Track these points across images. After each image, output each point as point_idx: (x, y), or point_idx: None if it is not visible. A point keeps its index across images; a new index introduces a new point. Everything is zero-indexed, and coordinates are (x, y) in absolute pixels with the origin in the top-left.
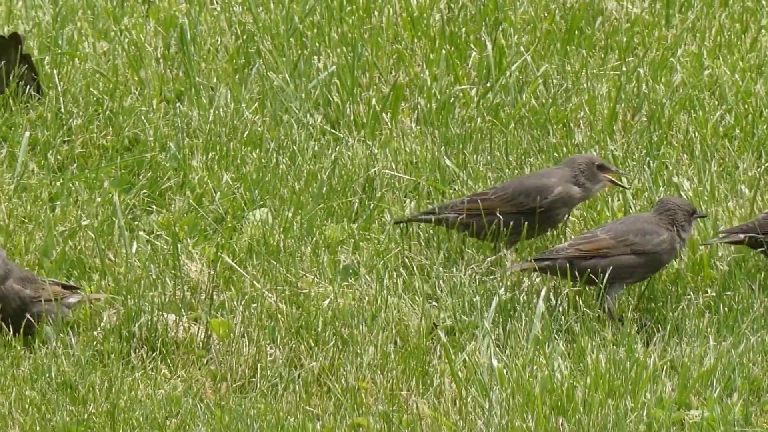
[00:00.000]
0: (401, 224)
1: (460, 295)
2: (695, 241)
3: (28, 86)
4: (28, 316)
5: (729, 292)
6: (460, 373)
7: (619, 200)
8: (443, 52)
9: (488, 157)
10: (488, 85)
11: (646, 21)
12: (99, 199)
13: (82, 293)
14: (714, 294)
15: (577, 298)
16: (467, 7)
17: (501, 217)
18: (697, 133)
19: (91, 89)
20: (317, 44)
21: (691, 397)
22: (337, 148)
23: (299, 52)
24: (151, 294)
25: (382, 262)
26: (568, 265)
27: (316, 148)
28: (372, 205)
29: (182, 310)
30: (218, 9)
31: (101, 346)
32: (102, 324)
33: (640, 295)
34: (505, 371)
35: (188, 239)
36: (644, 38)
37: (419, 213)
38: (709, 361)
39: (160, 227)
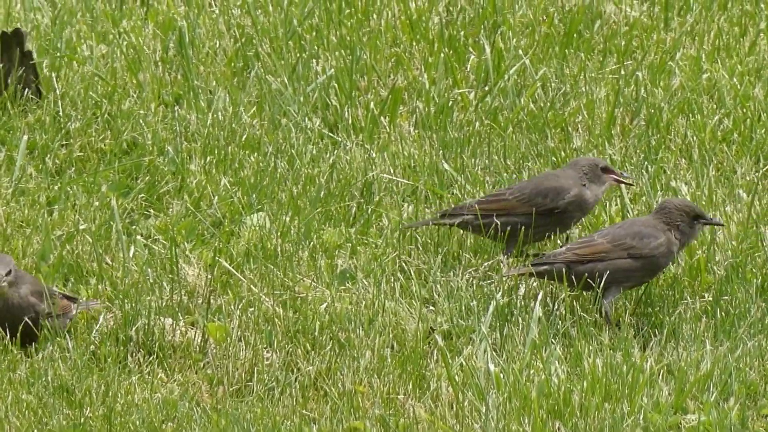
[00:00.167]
0: (413, 229)
1: (458, 299)
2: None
3: (27, 89)
4: (32, 326)
5: (726, 297)
6: (457, 377)
7: (616, 204)
8: (442, 55)
9: (486, 161)
10: (487, 88)
11: (645, 24)
12: (97, 203)
13: (81, 301)
14: (711, 298)
15: (574, 303)
16: (466, 11)
17: (518, 219)
18: (695, 138)
19: (90, 92)
20: (316, 47)
21: (687, 401)
22: (335, 152)
23: (298, 55)
24: (149, 298)
25: (379, 267)
26: (565, 268)
27: (314, 151)
28: (370, 210)
29: (179, 314)
30: (217, 12)
31: (98, 349)
32: (99, 328)
33: (637, 299)
34: (502, 375)
35: (186, 243)
36: (643, 42)
37: (432, 218)
38: (705, 366)
39: (158, 231)
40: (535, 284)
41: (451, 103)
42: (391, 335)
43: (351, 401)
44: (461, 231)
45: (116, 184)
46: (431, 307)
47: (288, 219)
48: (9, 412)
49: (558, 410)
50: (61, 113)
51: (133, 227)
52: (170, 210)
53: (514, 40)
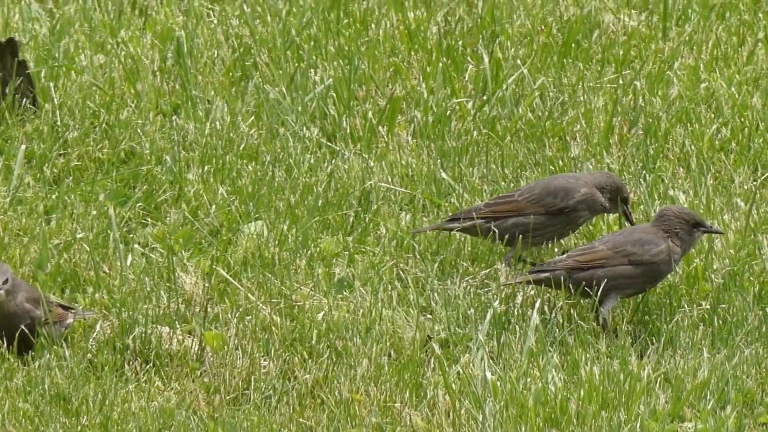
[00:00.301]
0: (418, 234)
1: (455, 307)
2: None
3: (25, 99)
4: (28, 334)
5: (723, 305)
6: (453, 386)
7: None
8: (440, 65)
9: (484, 170)
10: (485, 98)
11: (643, 34)
12: (94, 212)
13: (77, 310)
14: (708, 306)
15: (572, 311)
16: (464, 20)
17: (528, 220)
18: (693, 147)
19: (88, 102)
20: (314, 57)
21: (684, 409)
22: (333, 161)
23: (296, 65)
24: (146, 306)
25: (376, 275)
26: (565, 276)
27: (312, 161)
28: (367, 218)
29: (176, 322)
30: (215, 22)
31: (95, 358)
32: (96, 336)
33: (635, 307)
34: (498, 383)
35: (183, 252)
36: (641, 51)
37: (443, 221)
38: (702, 374)
39: (155, 240)
40: (532, 292)
41: (449, 112)
42: (388, 343)
43: (348, 410)
44: (467, 235)
45: (114, 193)
46: (428, 316)
47: (285, 228)
48: (6, 420)
49: (555, 418)
50: (59, 123)
51: (131, 236)
52: (168, 219)
53: (513, 49)
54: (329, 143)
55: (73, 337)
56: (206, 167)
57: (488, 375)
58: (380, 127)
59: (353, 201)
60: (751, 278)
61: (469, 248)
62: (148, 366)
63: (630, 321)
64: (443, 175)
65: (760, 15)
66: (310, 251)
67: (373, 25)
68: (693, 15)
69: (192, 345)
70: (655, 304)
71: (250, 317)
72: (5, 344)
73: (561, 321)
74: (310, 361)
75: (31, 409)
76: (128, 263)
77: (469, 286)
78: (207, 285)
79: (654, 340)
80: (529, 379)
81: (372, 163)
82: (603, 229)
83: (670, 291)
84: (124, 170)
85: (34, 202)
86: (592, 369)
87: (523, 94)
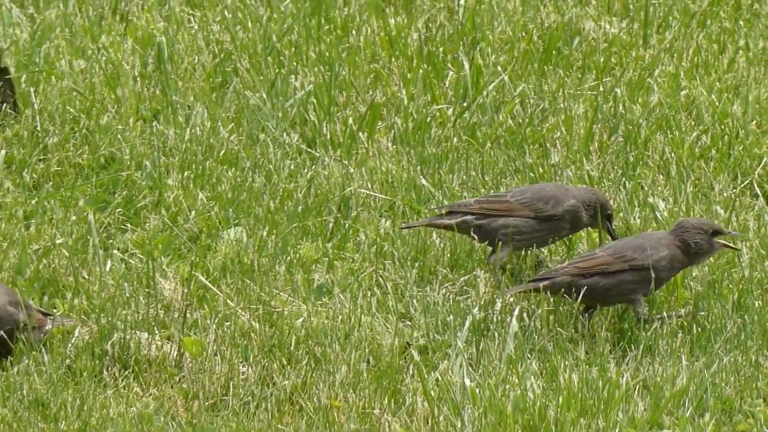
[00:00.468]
0: (409, 229)
1: (434, 314)
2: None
3: (5, 104)
4: (7, 339)
5: (702, 312)
6: (432, 392)
7: None
8: (420, 71)
9: (464, 177)
10: (465, 104)
11: (624, 41)
12: (74, 218)
13: (56, 316)
14: (686, 312)
15: (551, 317)
16: (445, 27)
17: (517, 222)
18: (673, 154)
19: (68, 107)
20: (295, 63)
21: (663, 416)
22: (313, 167)
23: (276, 71)
24: (125, 312)
25: (356, 281)
26: (567, 283)
27: (292, 167)
28: (347, 225)
29: (155, 328)
30: (196, 27)
31: (74, 363)
32: (74, 342)
33: (612, 314)
34: (477, 390)
35: (162, 258)
36: (621, 58)
37: (432, 216)
38: (681, 381)
39: (135, 246)
40: (511, 299)
41: (429, 118)
42: (367, 350)
43: (326, 416)
44: (457, 234)
45: (93, 199)
46: (407, 322)
47: (265, 234)
48: None
49: (533, 425)
50: (39, 128)
51: (110, 241)
52: (147, 224)
53: (493, 56)
54: (309, 149)
55: (52, 342)
56: (186, 173)
57: (467, 382)
58: (360, 134)
59: (333, 207)
60: (730, 285)
61: (449, 255)
62: (126, 372)
63: (608, 328)
64: (423, 181)
65: (741, 23)
66: (289, 257)
67: (353, 32)
68: (674, 22)
69: (171, 351)
70: (635, 311)
71: (229, 323)
72: None
73: (540, 328)
74: (288, 367)
75: (10, 415)
76: (107, 269)
77: (448, 293)
78: (186, 291)
79: (633, 348)
80: (507, 386)
81: (352, 170)
82: (582, 237)
83: (649, 299)
84: (104, 176)
85: (14, 207)
86: (571, 376)
87: (504, 101)
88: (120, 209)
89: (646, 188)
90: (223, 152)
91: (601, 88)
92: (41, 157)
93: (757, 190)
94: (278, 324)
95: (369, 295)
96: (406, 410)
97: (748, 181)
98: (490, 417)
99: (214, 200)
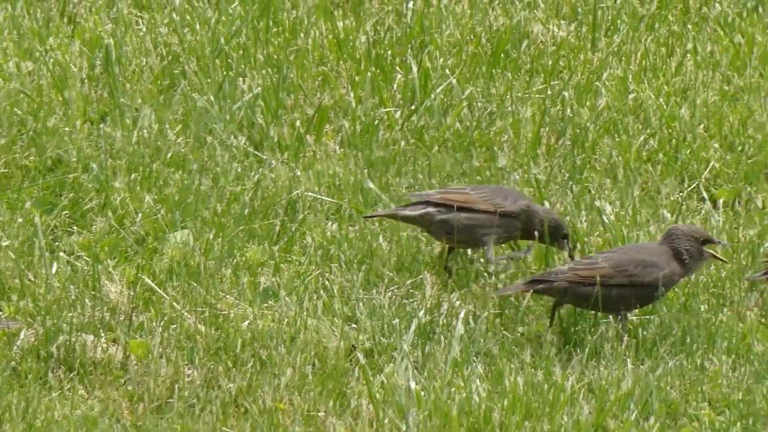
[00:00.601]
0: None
1: (380, 317)
2: None
3: None
4: None
5: (648, 316)
6: (377, 395)
7: None
8: (368, 74)
9: (411, 180)
10: (413, 107)
11: (572, 44)
12: (20, 220)
13: (0, 319)
14: (633, 318)
15: (497, 321)
16: (393, 30)
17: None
18: (620, 158)
19: (15, 109)
20: (242, 66)
21: (608, 419)
22: (260, 170)
23: (224, 73)
24: (70, 315)
25: (302, 284)
26: (565, 288)
27: (239, 169)
28: (294, 228)
29: (101, 330)
30: (144, 30)
31: (19, 366)
32: (20, 344)
33: (559, 318)
34: (422, 393)
35: (109, 260)
36: (570, 62)
37: (397, 207)
38: (626, 384)
39: (81, 248)
40: (457, 303)
41: (377, 121)
42: (312, 353)
43: (271, 419)
44: (415, 227)
45: (40, 201)
46: (353, 325)
47: (211, 236)
48: None
49: (478, 428)
50: None
51: (57, 244)
52: (94, 227)
53: (441, 59)
54: (256, 152)
55: None
56: (133, 175)
57: (412, 385)
58: (308, 136)
59: (280, 210)
60: (675, 289)
61: (395, 258)
62: (72, 374)
63: (555, 331)
64: (370, 184)
65: (689, 26)
66: (235, 260)
67: (302, 34)
68: (622, 26)
69: (116, 353)
70: (581, 315)
71: (174, 326)
72: None
73: (486, 331)
74: (234, 369)
75: None
76: (53, 271)
77: (394, 296)
78: (132, 293)
79: (578, 351)
80: (453, 389)
81: (299, 173)
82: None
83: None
84: (51, 178)
85: None
86: (517, 379)
87: (452, 104)
88: (66, 212)
89: (593, 192)
90: (170, 155)
91: (549, 92)
92: None
93: (704, 194)
94: (224, 327)
95: (315, 298)
96: (351, 413)
97: (695, 185)
98: (435, 420)
99: (161, 203)
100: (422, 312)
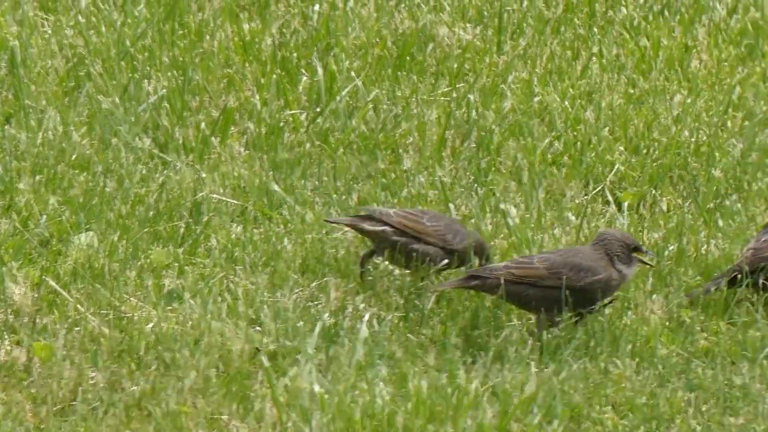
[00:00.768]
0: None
1: (284, 320)
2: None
3: None
4: None
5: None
6: (281, 398)
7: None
8: (274, 76)
9: (316, 183)
10: (318, 110)
11: (478, 47)
12: None
13: None
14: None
15: (400, 324)
16: (299, 32)
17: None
18: (525, 160)
19: None
20: (148, 68)
21: (511, 423)
22: (164, 172)
23: (130, 75)
24: None
25: (206, 287)
26: (499, 285)
27: (143, 171)
28: (198, 230)
29: (4, 333)
30: (49, 32)
31: None
32: None
33: (462, 322)
34: (326, 396)
35: (13, 262)
36: (475, 64)
37: (355, 214)
38: (530, 388)
39: None
40: (362, 305)
41: (282, 124)
42: (216, 356)
43: (175, 422)
44: (362, 240)
45: None
46: (258, 328)
47: (116, 238)
48: None
49: (382, 431)
50: None
51: None
52: None
53: (347, 62)
54: (161, 154)
55: None
56: (37, 177)
57: (316, 388)
58: (213, 138)
59: (184, 212)
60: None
61: (300, 260)
62: None
63: (459, 334)
64: (275, 187)
65: (595, 29)
66: (140, 262)
67: (208, 36)
68: (528, 29)
69: (20, 356)
70: (485, 319)
71: (78, 328)
72: None
73: (390, 334)
74: (138, 372)
75: None
76: None
77: (299, 299)
78: (36, 296)
79: (482, 354)
80: (357, 392)
81: (204, 174)
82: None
83: (498, 306)
84: None
85: None
86: (420, 382)
87: (357, 107)
88: None
89: (498, 194)
90: (75, 156)
91: (455, 94)
92: None
93: (609, 197)
94: (128, 329)
95: (219, 300)
96: (254, 416)
97: (600, 188)
98: (338, 423)
99: (66, 205)
100: (327, 315)
